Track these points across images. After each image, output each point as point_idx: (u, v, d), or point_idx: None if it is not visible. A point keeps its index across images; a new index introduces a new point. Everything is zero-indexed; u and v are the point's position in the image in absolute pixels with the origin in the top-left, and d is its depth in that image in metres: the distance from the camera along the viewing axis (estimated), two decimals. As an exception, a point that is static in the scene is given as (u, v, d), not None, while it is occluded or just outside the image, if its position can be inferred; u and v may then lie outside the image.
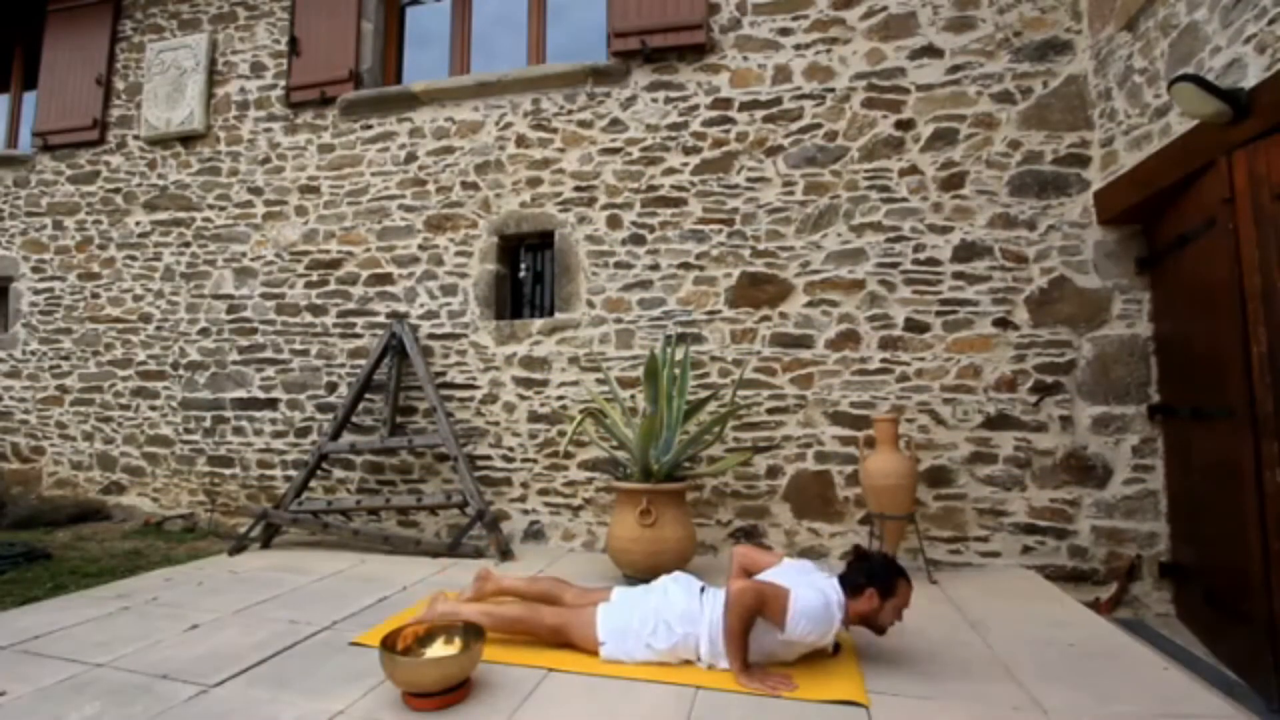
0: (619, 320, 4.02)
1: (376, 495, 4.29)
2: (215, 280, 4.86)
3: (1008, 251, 3.51)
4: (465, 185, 4.37)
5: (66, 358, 5.20)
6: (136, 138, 5.17)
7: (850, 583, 2.17)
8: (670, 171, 4.00)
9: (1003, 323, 3.49)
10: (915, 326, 3.59)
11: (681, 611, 2.22)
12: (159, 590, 3.12)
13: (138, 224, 5.10)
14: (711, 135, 3.95)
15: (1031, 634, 2.50)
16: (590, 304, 4.08)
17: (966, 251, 3.55)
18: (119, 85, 5.29)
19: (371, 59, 4.76)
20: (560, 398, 4.08)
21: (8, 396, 5.33)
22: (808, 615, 2.04)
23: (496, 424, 4.19)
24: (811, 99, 3.83)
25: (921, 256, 3.61)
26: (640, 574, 3.10)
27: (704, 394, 3.67)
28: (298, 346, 4.64)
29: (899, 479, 3.13)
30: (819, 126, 3.80)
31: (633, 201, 4.04)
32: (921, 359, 3.57)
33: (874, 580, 2.15)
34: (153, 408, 4.94)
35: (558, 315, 4.16)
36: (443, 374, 4.30)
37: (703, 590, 2.31)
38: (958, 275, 3.56)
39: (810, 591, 2.09)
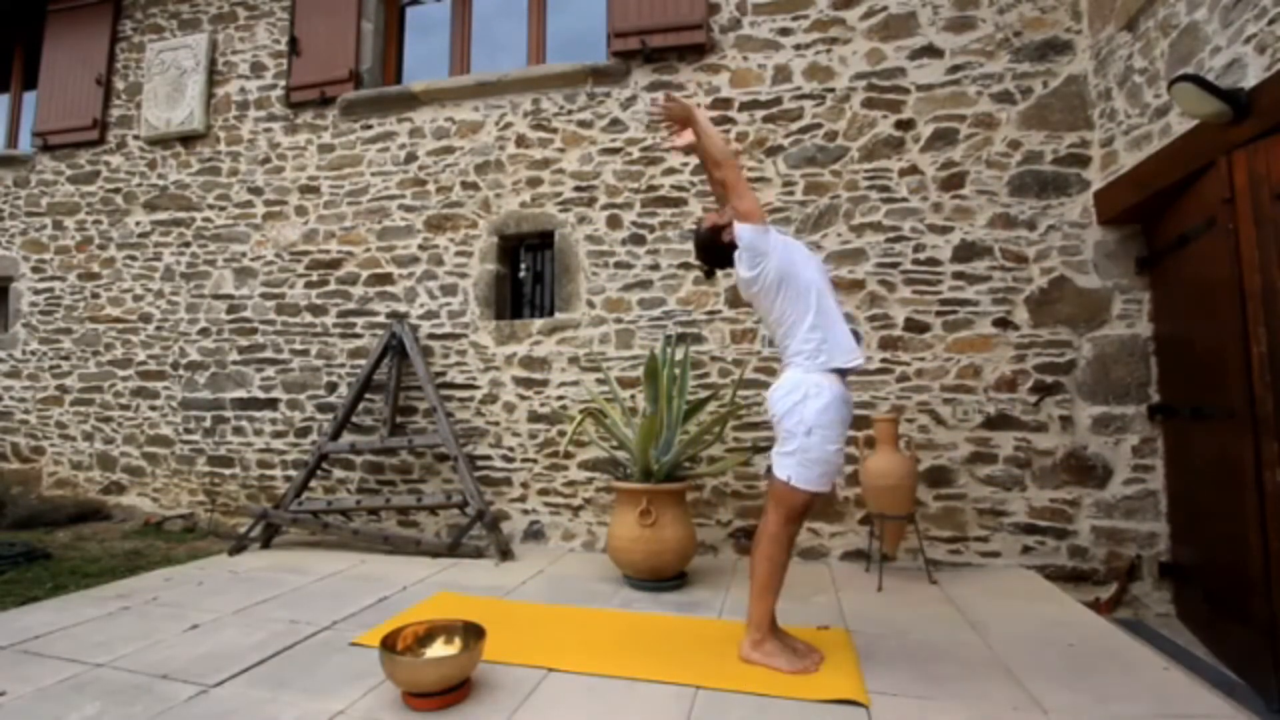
0: (619, 320, 4.02)
1: (376, 495, 4.29)
2: (215, 280, 4.86)
3: (1008, 251, 3.51)
4: (465, 185, 4.37)
5: (66, 358, 5.20)
6: (136, 138, 5.17)
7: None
8: (670, 171, 4.00)
9: (1003, 323, 3.49)
10: (915, 326, 3.59)
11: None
12: (159, 590, 3.12)
13: (138, 224, 5.10)
14: (711, 135, 3.94)
15: (1031, 634, 2.50)
16: (590, 304, 4.08)
17: (966, 251, 3.55)
18: (119, 85, 5.29)
19: (371, 59, 4.76)
20: (560, 398, 4.08)
21: (8, 396, 5.33)
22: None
23: (496, 424, 4.19)
24: (811, 99, 3.82)
25: (921, 256, 3.61)
26: (640, 574, 3.11)
27: (704, 394, 3.67)
28: (298, 346, 4.64)
29: (899, 479, 3.12)
30: (819, 126, 3.80)
31: (633, 201, 4.04)
32: (921, 359, 3.57)
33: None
34: (153, 408, 4.94)
35: (558, 315, 4.16)
36: (443, 374, 4.30)
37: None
38: (958, 275, 3.56)
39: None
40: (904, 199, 3.65)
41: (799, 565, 3.54)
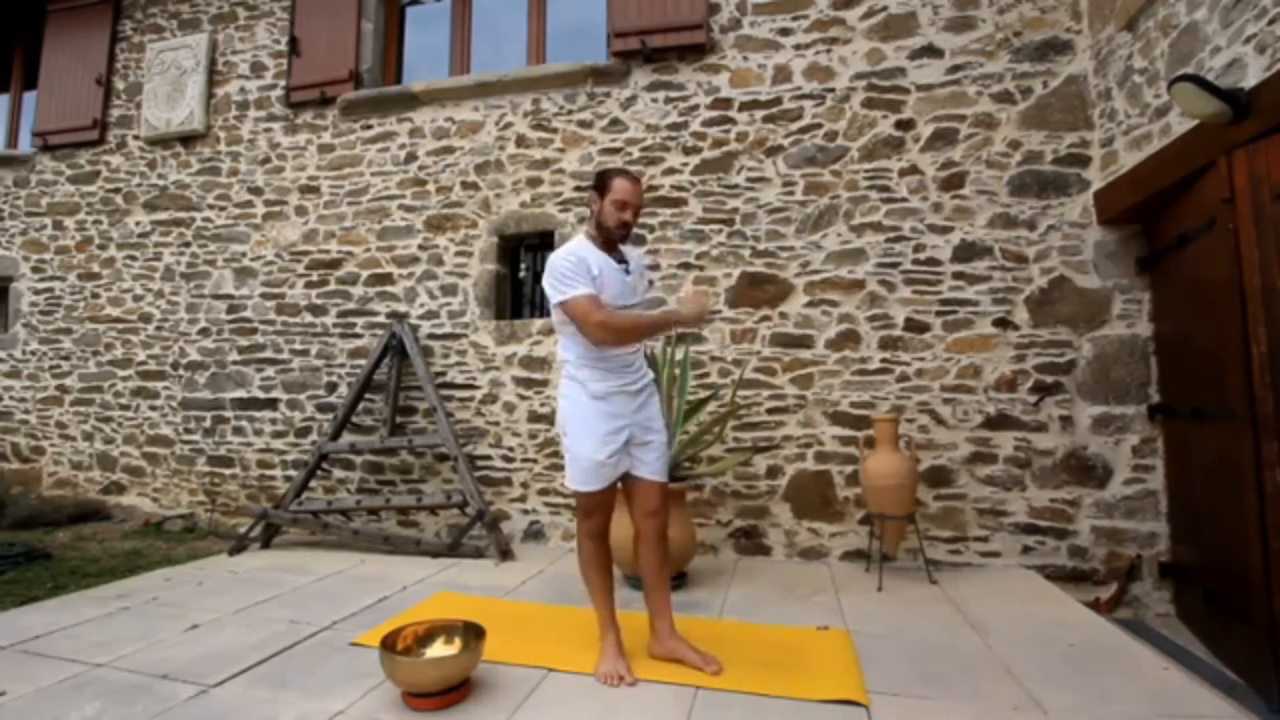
0: (619, 320, 4.01)
1: (376, 495, 4.29)
2: (215, 280, 4.86)
3: (1008, 251, 3.51)
4: (465, 185, 4.37)
5: (66, 358, 5.20)
6: (136, 138, 5.17)
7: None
8: (670, 171, 4.00)
9: (1003, 323, 3.49)
10: (915, 326, 3.59)
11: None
12: (159, 590, 3.12)
13: (138, 224, 5.10)
14: (711, 135, 3.95)
15: (1031, 634, 2.50)
16: (590, 304, 4.07)
17: (966, 251, 3.55)
18: (119, 85, 5.29)
19: (371, 59, 4.75)
20: (560, 398, 4.08)
21: (8, 396, 5.33)
22: (555, 273, 2.19)
23: (496, 424, 4.19)
24: (811, 99, 3.82)
25: (921, 256, 3.61)
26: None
27: (704, 394, 3.67)
28: (298, 346, 4.64)
29: (899, 479, 3.12)
30: (819, 126, 3.80)
31: (633, 201, 4.04)
32: (921, 359, 3.57)
33: (595, 189, 2.23)
34: (153, 408, 4.94)
35: (558, 315, 4.15)
36: (443, 374, 4.30)
37: None
38: (958, 275, 3.56)
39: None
40: (904, 199, 3.65)
41: (799, 565, 3.55)
